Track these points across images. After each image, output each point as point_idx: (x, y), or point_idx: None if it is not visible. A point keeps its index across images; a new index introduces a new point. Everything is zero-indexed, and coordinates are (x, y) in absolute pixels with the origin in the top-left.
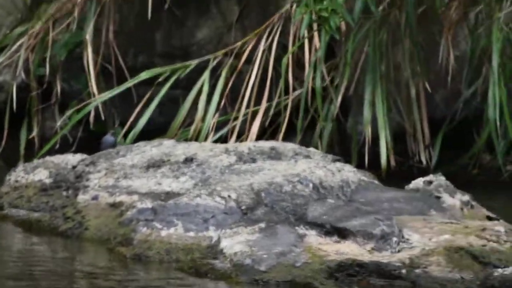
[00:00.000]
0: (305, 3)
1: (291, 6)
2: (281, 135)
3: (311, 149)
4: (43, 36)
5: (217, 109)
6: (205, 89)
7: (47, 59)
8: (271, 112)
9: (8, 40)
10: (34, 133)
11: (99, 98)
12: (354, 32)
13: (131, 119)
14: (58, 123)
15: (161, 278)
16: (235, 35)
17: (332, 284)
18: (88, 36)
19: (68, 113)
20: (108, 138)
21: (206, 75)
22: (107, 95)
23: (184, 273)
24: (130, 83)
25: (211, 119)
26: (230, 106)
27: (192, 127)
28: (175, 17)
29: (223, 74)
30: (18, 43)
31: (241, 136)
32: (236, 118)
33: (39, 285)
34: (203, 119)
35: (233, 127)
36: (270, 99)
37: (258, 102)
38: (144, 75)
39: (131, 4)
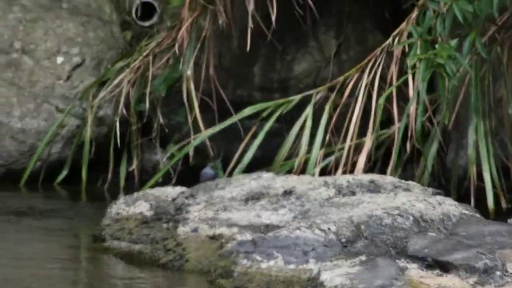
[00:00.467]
0: (416, 50)
1: (393, 41)
2: (389, 169)
3: (410, 182)
4: (143, 71)
5: (322, 143)
6: (309, 123)
7: (147, 94)
8: (373, 145)
9: (109, 75)
10: (134, 166)
11: (204, 134)
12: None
13: (238, 153)
14: (164, 159)
15: None
16: (332, 69)
17: None
18: (190, 72)
19: (172, 149)
20: (208, 171)
21: (309, 110)
22: (211, 131)
23: None
24: (234, 119)
25: (317, 152)
26: (332, 140)
27: (296, 161)
28: (274, 50)
29: (327, 108)
30: (119, 78)
31: (346, 169)
32: (340, 151)
33: None
34: (308, 153)
35: (338, 161)
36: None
37: (360, 136)
38: (247, 111)
39: (230, 39)
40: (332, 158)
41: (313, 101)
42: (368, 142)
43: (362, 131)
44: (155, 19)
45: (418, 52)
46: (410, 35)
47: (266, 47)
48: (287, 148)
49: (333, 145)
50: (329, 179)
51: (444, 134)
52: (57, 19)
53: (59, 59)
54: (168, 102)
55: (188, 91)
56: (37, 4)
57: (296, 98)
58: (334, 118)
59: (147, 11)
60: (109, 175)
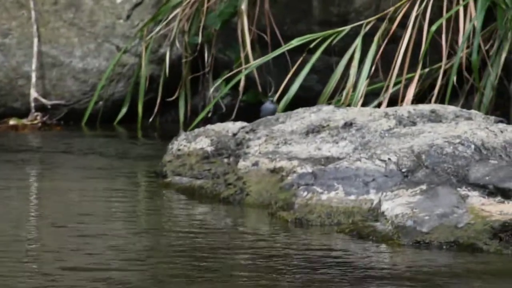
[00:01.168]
0: None
1: None
2: (433, 100)
3: (473, 111)
4: (198, 6)
5: (368, 75)
6: (357, 55)
7: (200, 29)
8: (424, 78)
9: (164, 12)
10: (188, 102)
11: (252, 65)
12: None
13: (283, 85)
14: (210, 91)
15: (322, 241)
16: (393, 1)
17: (496, 244)
18: (244, 6)
19: (218, 81)
20: (268, 105)
21: (358, 41)
22: (258, 62)
23: (345, 236)
24: (281, 50)
25: (362, 86)
26: (384, 72)
27: (344, 93)
28: None
29: (375, 39)
30: (174, 13)
31: (396, 103)
32: (388, 85)
33: (202, 245)
34: (355, 85)
35: (386, 94)
36: (424, 66)
37: (412, 68)
38: (295, 42)
39: None
40: (382, 92)
41: (362, 32)
42: (417, 75)
43: (412, 63)
44: None
45: None
46: None
47: None
48: (335, 81)
49: (383, 78)
50: (389, 110)
51: (506, 66)
52: None
53: None
54: (223, 38)
55: (243, 26)
56: None
57: (346, 28)
58: (384, 50)
59: None
60: (156, 110)
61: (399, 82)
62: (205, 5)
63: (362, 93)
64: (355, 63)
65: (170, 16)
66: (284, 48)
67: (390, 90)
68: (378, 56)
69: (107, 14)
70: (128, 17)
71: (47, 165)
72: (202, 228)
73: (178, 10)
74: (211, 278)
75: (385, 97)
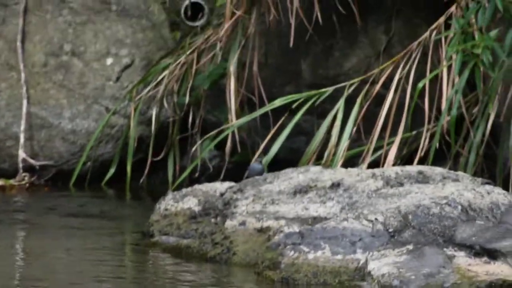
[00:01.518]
0: (456, 41)
1: (430, 35)
2: (414, 163)
3: (460, 173)
4: (188, 68)
5: (350, 136)
6: (339, 116)
7: (188, 89)
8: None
9: (154, 73)
10: (177, 162)
11: (234, 124)
12: (499, 64)
13: (264, 146)
14: (193, 150)
15: None
16: (382, 64)
17: None
18: (232, 68)
19: (204, 142)
20: (256, 166)
21: (341, 102)
22: (241, 122)
23: None
24: (264, 110)
25: (343, 147)
26: (367, 135)
27: (325, 154)
28: (322, 47)
29: (358, 101)
30: (163, 74)
31: (377, 165)
32: (369, 148)
33: None
34: (337, 145)
35: (367, 156)
36: (406, 129)
37: (395, 131)
38: (278, 102)
39: (277, 35)
40: (363, 154)
41: (345, 93)
42: (398, 138)
43: (396, 126)
44: (204, 18)
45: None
46: (448, 28)
47: (315, 43)
48: (318, 141)
49: (363, 138)
50: (377, 171)
51: (494, 128)
52: (106, 21)
53: (109, 61)
54: (212, 99)
55: (230, 88)
56: (86, 7)
57: (329, 89)
58: (366, 112)
59: (196, 11)
60: (146, 171)
61: (382, 145)
62: (194, 67)
63: (343, 154)
64: (337, 123)
65: (159, 78)
66: (267, 108)
67: (370, 153)
68: (360, 117)
69: (97, 76)
70: (117, 79)
71: (33, 225)
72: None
73: (167, 71)
74: None
75: (365, 160)
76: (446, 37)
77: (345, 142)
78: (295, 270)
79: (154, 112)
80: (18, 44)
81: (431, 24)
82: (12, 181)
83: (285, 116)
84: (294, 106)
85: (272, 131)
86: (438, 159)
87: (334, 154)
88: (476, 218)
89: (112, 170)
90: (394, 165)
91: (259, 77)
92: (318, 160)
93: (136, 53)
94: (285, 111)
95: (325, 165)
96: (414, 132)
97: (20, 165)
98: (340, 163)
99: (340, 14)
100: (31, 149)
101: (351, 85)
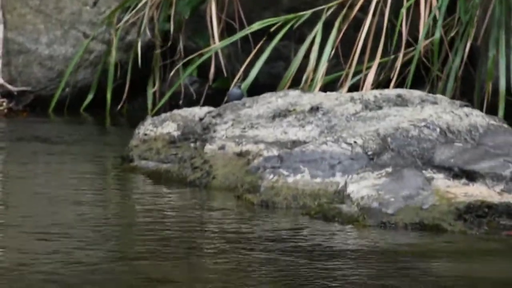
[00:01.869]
0: None
1: None
2: (391, 86)
3: (438, 95)
4: None
5: (328, 59)
6: (318, 40)
7: (171, 17)
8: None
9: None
10: (155, 88)
11: (214, 48)
12: None
13: (243, 71)
14: (171, 76)
15: (289, 222)
16: None
17: (461, 225)
18: None
19: (190, 69)
20: (235, 91)
21: (319, 26)
22: (220, 45)
23: (311, 218)
24: (241, 34)
25: (321, 70)
26: (344, 58)
27: (303, 78)
28: None
29: (336, 24)
30: (143, 1)
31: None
32: (348, 73)
33: (170, 231)
34: (315, 70)
35: (346, 80)
36: (384, 53)
37: (373, 55)
38: (256, 26)
39: None
40: (341, 79)
41: (323, 17)
42: (376, 63)
43: (374, 51)
44: None
45: None
46: None
47: None
48: (297, 65)
49: (342, 63)
50: (356, 94)
51: (472, 52)
52: None
53: None
54: (193, 25)
55: (211, 14)
56: None
57: (307, 13)
58: (344, 36)
59: None
60: (124, 96)
61: (360, 70)
62: None
63: (321, 78)
64: (315, 47)
65: (140, 4)
66: (245, 31)
67: (350, 78)
68: (338, 41)
69: (74, 1)
70: (94, 3)
71: (11, 151)
72: (167, 213)
73: None
74: (176, 255)
75: (344, 85)
76: None
77: (323, 66)
78: (275, 193)
79: (134, 38)
80: None
81: None
82: None
83: (264, 41)
84: (272, 29)
85: (251, 56)
86: (416, 85)
87: (313, 79)
88: (455, 140)
89: (90, 96)
90: (372, 89)
91: (239, 2)
92: (297, 85)
93: None
94: (263, 36)
95: (304, 89)
96: (392, 57)
97: None
98: (318, 87)
99: None
100: (8, 74)
101: (328, 8)
